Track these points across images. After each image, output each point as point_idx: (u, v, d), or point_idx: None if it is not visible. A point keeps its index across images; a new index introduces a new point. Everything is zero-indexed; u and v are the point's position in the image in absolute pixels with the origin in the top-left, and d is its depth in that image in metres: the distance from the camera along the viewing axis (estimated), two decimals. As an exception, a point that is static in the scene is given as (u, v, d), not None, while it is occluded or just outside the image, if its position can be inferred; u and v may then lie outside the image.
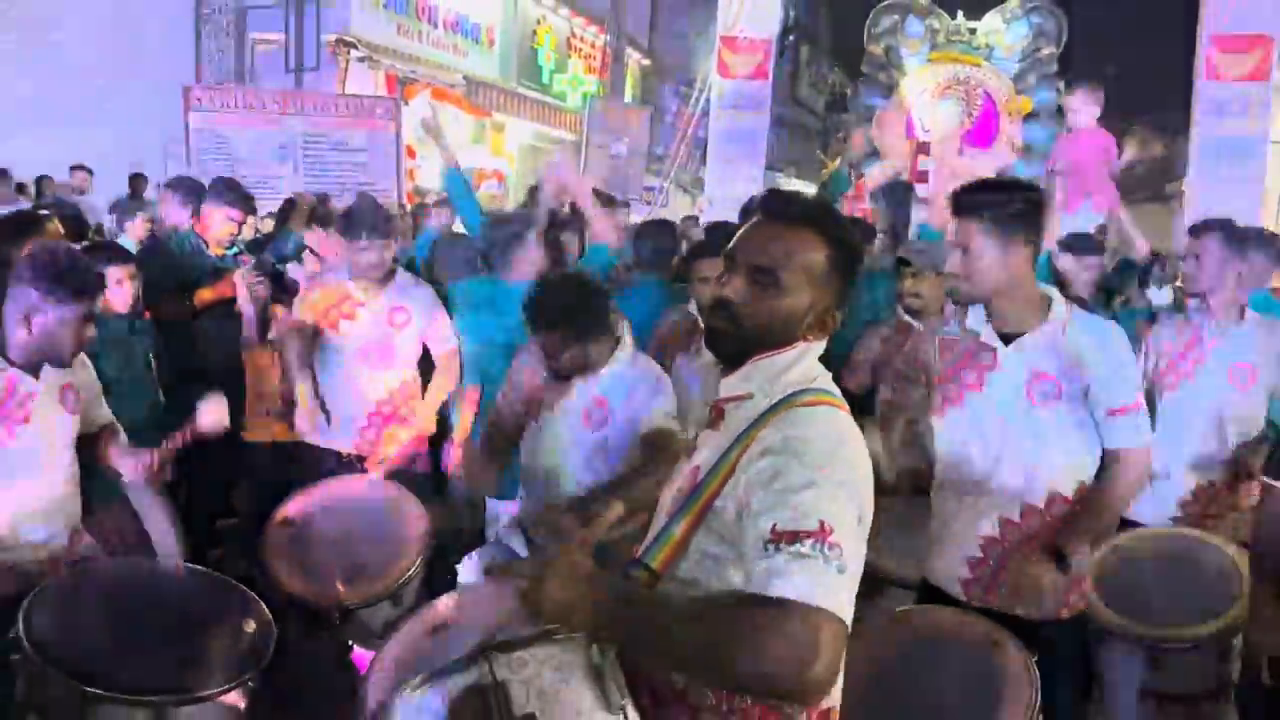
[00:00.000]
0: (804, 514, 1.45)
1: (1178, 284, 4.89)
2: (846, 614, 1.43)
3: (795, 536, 1.43)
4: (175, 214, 4.79)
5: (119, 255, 3.92)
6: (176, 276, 4.38)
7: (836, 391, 1.70)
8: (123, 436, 3.16)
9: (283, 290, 4.73)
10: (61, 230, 4.08)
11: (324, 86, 10.93)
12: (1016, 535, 2.66)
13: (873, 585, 2.97)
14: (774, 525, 1.45)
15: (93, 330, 2.83)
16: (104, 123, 10.58)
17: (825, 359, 1.76)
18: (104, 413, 3.14)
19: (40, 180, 9.50)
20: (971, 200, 2.60)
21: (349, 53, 11.74)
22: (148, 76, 10.41)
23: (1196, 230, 3.70)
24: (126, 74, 10.54)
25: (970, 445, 2.71)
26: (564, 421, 3.00)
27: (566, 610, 1.47)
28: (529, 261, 4.12)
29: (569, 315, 2.91)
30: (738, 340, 1.69)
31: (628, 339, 3.03)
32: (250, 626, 2.64)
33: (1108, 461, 2.66)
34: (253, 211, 4.69)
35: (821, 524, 1.44)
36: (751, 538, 1.49)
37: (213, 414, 3.06)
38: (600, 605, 1.47)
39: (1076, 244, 4.59)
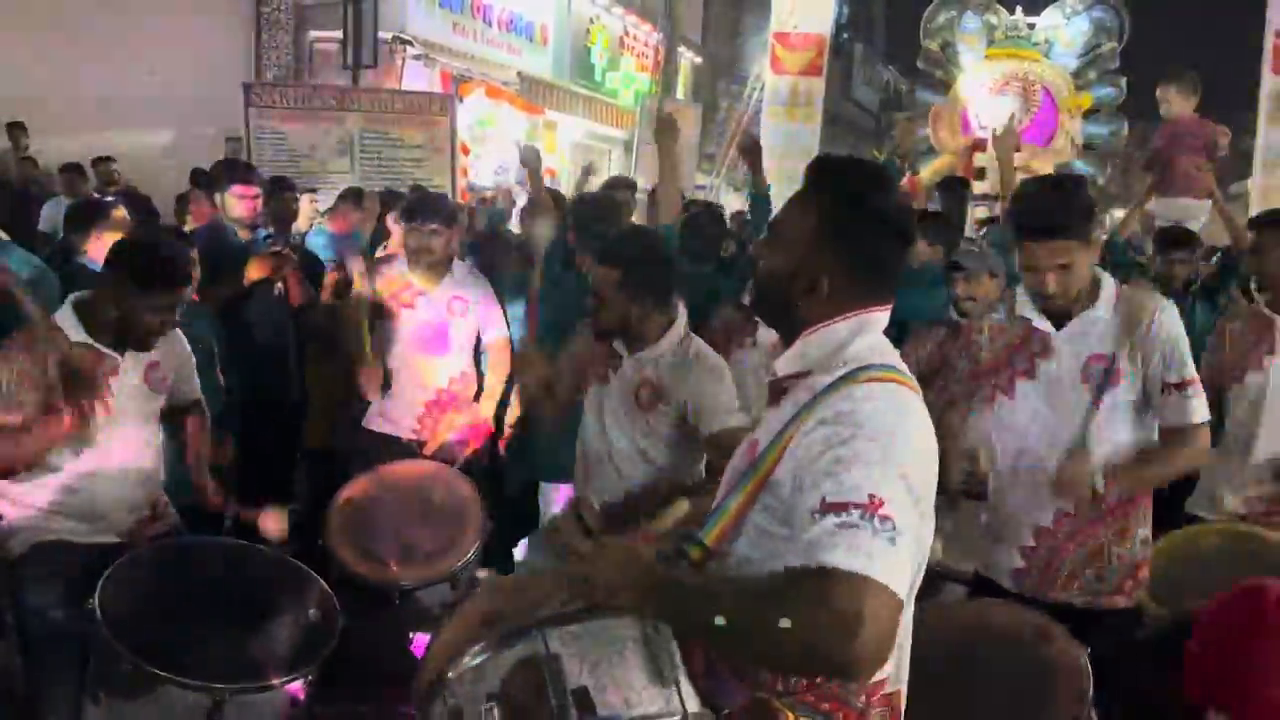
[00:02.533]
0: (854, 486, 1.39)
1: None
2: (899, 585, 1.36)
3: (844, 508, 1.38)
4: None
5: (181, 238, 4.04)
6: (210, 263, 4.29)
7: (905, 368, 1.61)
8: (206, 419, 3.26)
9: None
10: (128, 216, 4.22)
11: (381, 84, 11.03)
12: (1071, 525, 2.63)
13: (927, 580, 3.00)
14: (823, 498, 1.40)
15: (177, 316, 2.92)
16: (165, 120, 10.81)
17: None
18: (191, 388, 3.21)
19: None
20: (1059, 222, 2.51)
21: (405, 50, 11.85)
22: (208, 74, 10.55)
23: (1259, 223, 3.60)
24: (188, 71, 10.70)
25: (1024, 434, 2.67)
26: (614, 399, 2.96)
27: (615, 590, 1.48)
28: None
29: (633, 256, 2.88)
30: (763, 308, 1.69)
31: (682, 322, 2.98)
32: (315, 614, 2.70)
33: (1165, 440, 2.62)
34: (261, 184, 4.63)
35: (871, 497, 1.38)
36: (801, 511, 1.44)
37: (273, 524, 3.14)
38: (647, 586, 1.47)
39: (1173, 239, 4.58)
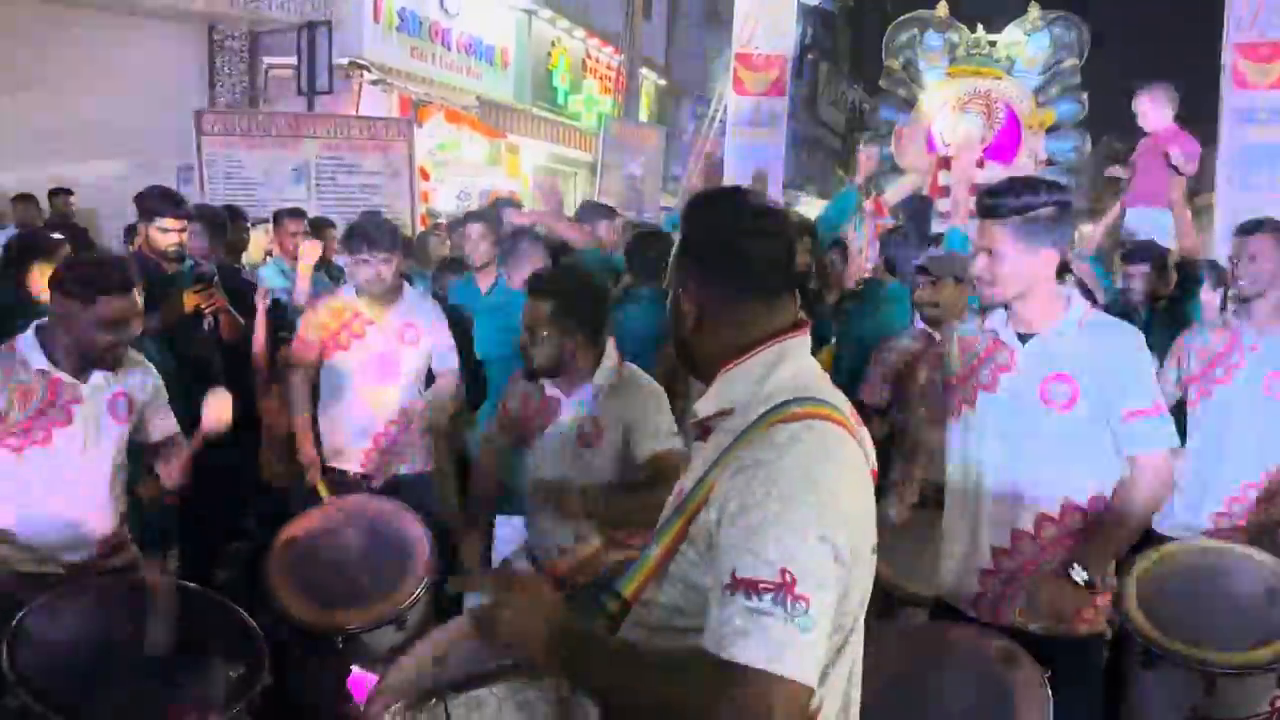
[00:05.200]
0: (766, 560, 1.30)
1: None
2: (810, 674, 1.30)
3: (754, 587, 1.29)
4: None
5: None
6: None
7: (834, 398, 1.50)
8: (185, 451, 3.15)
9: (283, 318, 4.65)
10: (69, 251, 4.07)
11: (338, 110, 10.90)
12: (1030, 548, 2.56)
13: (886, 603, 2.96)
14: (734, 571, 1.32)
15: (133, 330, 2.83)
16: (119, 149, 10.60)
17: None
18: (165, 424, 3.13)
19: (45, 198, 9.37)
20: (997, 203, 2.49)
21: (362, 76, 11.72)
22: (161, 102, 10.37)
23: (1248, 229, 3.48)
24: (140, 100, 10.51)
25: (981, 449, 2.62)
26: (555, 441, 2.94)
27: (519, 640, 1.41)
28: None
29: (565, 288, 2.85)
30: (677, 355, 1.63)
31: (612, 352, 2.94)
32: (236, 671, 2.56)
33: (1129, 467, 2.55)
34: (188, 216, 4.49)
35: (784, 573, 1.29)
36: (713, 577, 1.36)
37: (215, 412, 3.06)
38: (553, 639, 1.39)
39: (1132, 252, 4.59)
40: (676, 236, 1.65)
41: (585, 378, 2.90)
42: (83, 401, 2.82)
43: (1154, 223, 5.73)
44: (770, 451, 1.38)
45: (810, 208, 19.93)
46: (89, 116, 10.39)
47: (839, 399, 1.51)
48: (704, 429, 1.56)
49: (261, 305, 4.54)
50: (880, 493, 1.60)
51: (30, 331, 2.82)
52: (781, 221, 1.56)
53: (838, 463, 1.41)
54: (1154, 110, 6.26)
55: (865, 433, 1.53)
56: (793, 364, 1.51)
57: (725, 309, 1.52)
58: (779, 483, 1.34)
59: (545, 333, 2.81)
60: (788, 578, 1.29)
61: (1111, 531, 2.52)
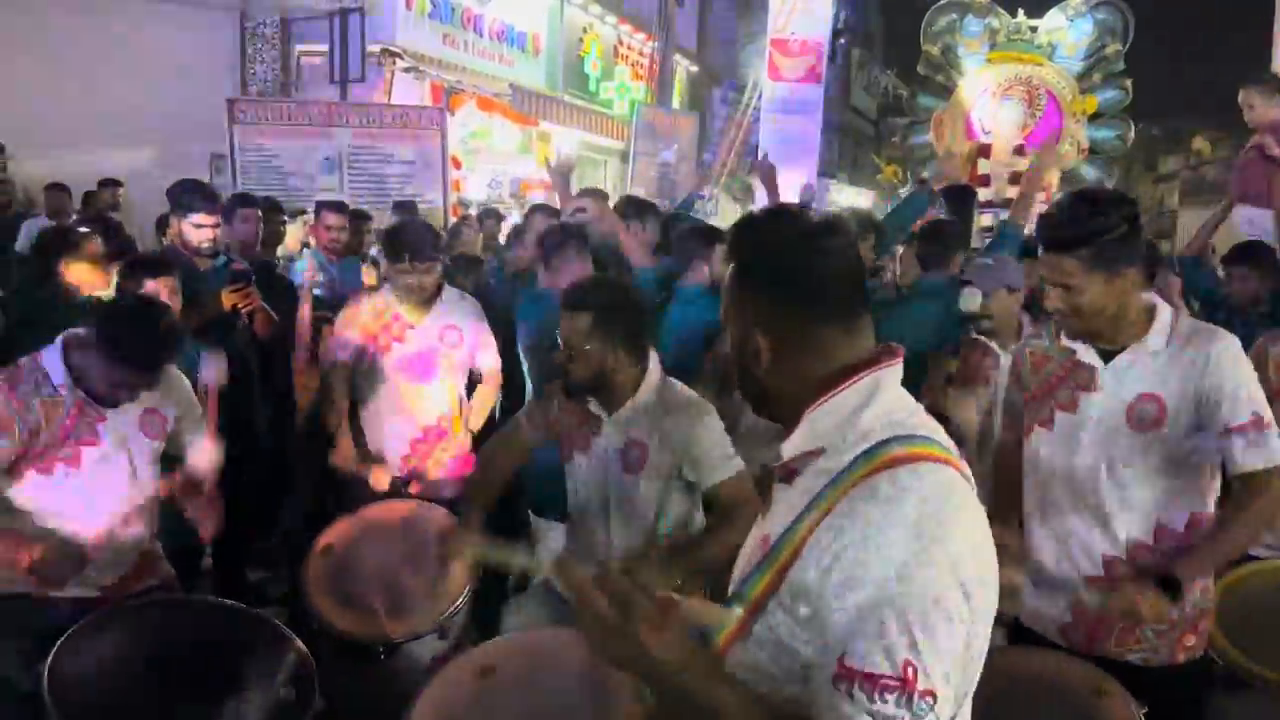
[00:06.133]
0: (884, 649, 1.16)
1: None
2: None
3: (874, 684, 1.15)
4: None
5: (159, 268, 3.72)
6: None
7: (936, 433, 1.35)
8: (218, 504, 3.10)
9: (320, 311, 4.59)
10: (102, 249, 4.10)
11: (370, 98, 10.82)
12: (1123, 574, 2.40)
13: None
14: (844, 655, 1.18)
15: (147, 390, 2.78)
16: (151, 138, 10.58)
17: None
18: (198, 440, 3.06)
19: (87, 195, 9.47)
20: (1062, 235, 2.30)
21: (394, 63, 11.63)
22: (194, 90, 10.32)
23: None
24: (173, 88, 10.47)
25: (1063, 472, 2.47)
26: (596, 464, 2.79)
27: (642, 658, 1.19)
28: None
29: (603, 301, 2.68)
30: (744, 395, 1.47)
31: (656, 368, 2.78)
32: (287, 692, 2.49)
33: (1233, 486, 2.36)
34: (221, 210, 4.43)
35: (907, 666, 1.15)
36: (814, 650, 1.22)
37: (213, 369, 3.08)
38: (683, 664, 1.19)
39: (1234, 253, 4.41)
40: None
41: (627, 395, 2.74)
42: (108, 418, 2.75)
43: (1255, 222, 5.45)
44: (875, 507, 1.22)
45: (840, 194, 19.73)
46: (121, 104, 10.35)
47: (939, 432, 1.36)
48: (788, 470, 1.40)
49: (306, 305, 4.47)
50: None
51: (56, 347, 2.74)
52: (849, 234, 1.42)
53: (954, 512, 1.24)
54: (1260, 104, 5.93)
55: (966, 466, 1.36)
56: (888, 396, 1.35)
57: (804, 338, 1.36)
58: (891, 549, 1.19)
59: (584, 348, 2.65)
60: (910, 672, 1.15)
61: (1210, 545, 2.34)
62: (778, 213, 1.46)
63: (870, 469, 1.26)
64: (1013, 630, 2.66)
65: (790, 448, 1.39)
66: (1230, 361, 2.31)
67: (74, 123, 10.09)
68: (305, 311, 4.45)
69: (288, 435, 4.62)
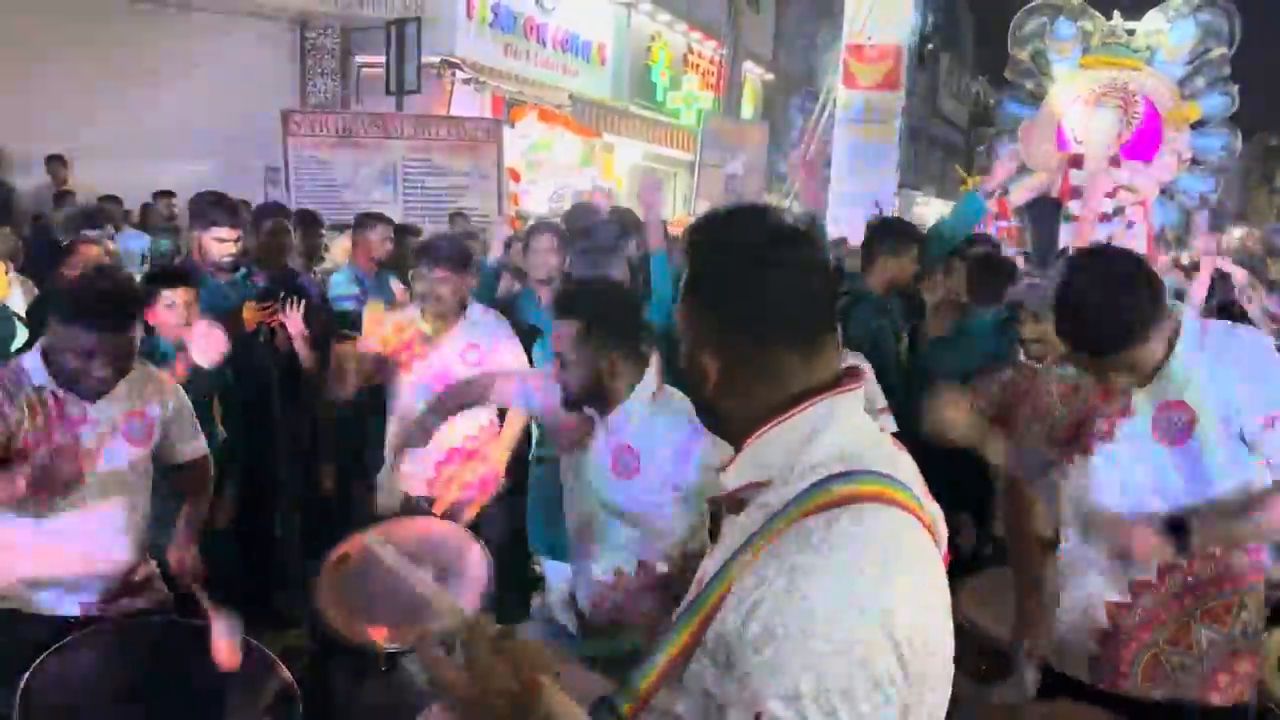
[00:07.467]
0: (797, 714, 1.07)
1: None
2: None
3: None
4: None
5: (173, 278, 3.68)
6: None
7: (894, 466, 1.22)
8: (207, 481, 3.09)
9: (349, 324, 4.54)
10: (98, 255, 4.24)
11: (429, 109, 10.65)
12: (1152, 600, 2.35)
13: (995, 664, 2.68)
14: (759, 716, 1.10)
15: (129, 363, 2.69)
16: (209, 150, 10.54)
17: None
18: (192, 447, 3.02)
19: (145, 207, 9.41)
20: (1105, 346, 2.27)
21: (453, 74, 11.41)
22: (253, 102, 10.27)
23: None
24: (233, 100, 10.44)
25: (1101, 501, 2.41)
26: (590, 467, 2.72)
27: (475, 702, 1.14)
28: None
29: (594, 307, 2.61)
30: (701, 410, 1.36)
31: (653, 372, 2.68)
32: (269, 705, 2.43)
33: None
34: (239, 225, 4.34)
35: None
36: (740, 709, 1.13)
37: (201, 343, 3.09)
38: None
39: None
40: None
41: (622, 400, 2.66)
42: (89, 421, 2.67)
43: None
44: (805, 553, 1.13)
45: (926, 208, 19.01)
46: (180, 117, 10.38)
47: (902, 465, 1.24)
48: (735, 500, 1.29)
49: (295, 316, 4.32)
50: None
51: (37, 349, 2.69)
52: (815, 245, 1.28)
53: (895, 561, 1.13)
54: None
55: (936, 509, 1.25)
56: (845, 425, 1.24)
57: (754, 361, 1.25)
58: (814, 601, 1.09)
59: (575, 357, 2.59)
60: None
61: (1236, 515, 2.24)
62: (735, 215, 1.32)
63: (806, 509, 1.17)
64: (1045, 674, 2.58)
65: (731, 478, 1.30)
66: (1258, 353, 2.28)
67: (134, 134, 10.13)
68: (296, 322, 4.32)
69: (305, 449, 4.58)
